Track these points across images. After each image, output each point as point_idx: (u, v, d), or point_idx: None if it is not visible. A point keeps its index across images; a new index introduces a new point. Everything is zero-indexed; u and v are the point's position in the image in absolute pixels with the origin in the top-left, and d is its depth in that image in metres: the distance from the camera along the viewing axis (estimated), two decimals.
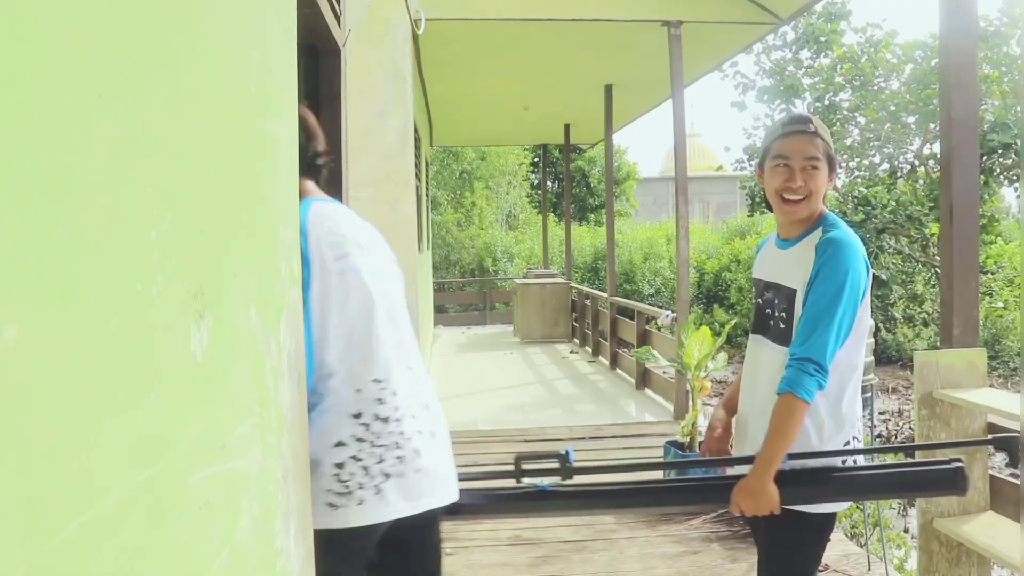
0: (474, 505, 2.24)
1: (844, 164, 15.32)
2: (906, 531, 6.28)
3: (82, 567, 0.61)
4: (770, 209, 2.41)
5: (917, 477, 2.23)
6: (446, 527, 4.61)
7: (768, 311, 2.33)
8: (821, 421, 2.21)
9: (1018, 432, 2.97)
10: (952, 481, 2.16)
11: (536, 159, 24.22)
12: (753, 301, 2.43)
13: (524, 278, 13.34)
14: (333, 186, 2.84)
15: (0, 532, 0.52)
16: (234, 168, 1.10)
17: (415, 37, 6.33)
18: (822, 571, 4.02)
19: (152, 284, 0.79)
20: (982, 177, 11.36)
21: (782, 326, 2.27)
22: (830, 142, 2.34)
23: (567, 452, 2.19)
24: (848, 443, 2.24)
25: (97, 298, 0.68)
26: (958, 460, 2.19)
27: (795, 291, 2.23)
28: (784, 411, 2.09)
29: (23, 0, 0.57)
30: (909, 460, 2.22)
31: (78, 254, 0.65)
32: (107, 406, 0.68)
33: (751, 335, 2.42)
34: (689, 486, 2.33)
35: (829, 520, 2.27)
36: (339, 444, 1.89)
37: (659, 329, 8.70)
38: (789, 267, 2.27)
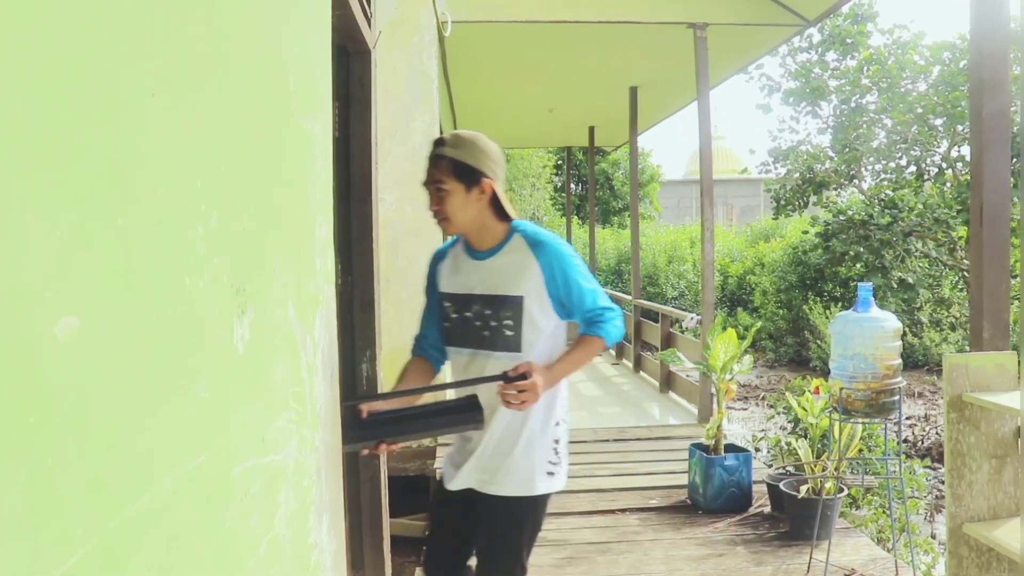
0: None
1: (871, 167, 15.20)
2: (933, 537, 6.22)
3: (139, 546, 0.63)
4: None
5: (444, 415, 2.27)
6: None
7: (480, 323, 2.39)
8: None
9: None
10: (473, 417, 2.20)
11: (560, 161, 24.22)
12: (450, 316, 2.47)
13: None
14: (363, 187, 2.86)
15: (65, 513, 0.54)
16: (275, 166, 1.12)
17: (441, 39, 6.36)
18: (849, 575, 4.00)
19: (199, 278, 0.81)
20: (1012, 179, 11.22)
21: (509, 333, 2.36)
22: (467, 156, 2.32)
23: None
24: (558, 423, 2.46)
25: (150, 290, 0.70)
26: (473, 395, 2.24)
27: (522, 297, 2.34)
28: (592, 347, 2.42)
29: (81, 2, 0.59)
30: (434, 403, 2.31)
31: (133, 247, 0.67)
32: (160, 395, 0.70)
33: (460, 349, 2.46)
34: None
35: (545, 501, 2.47)
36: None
37: (683, 332, 8.67)
38: (504, 277, 2.36)
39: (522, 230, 2.41)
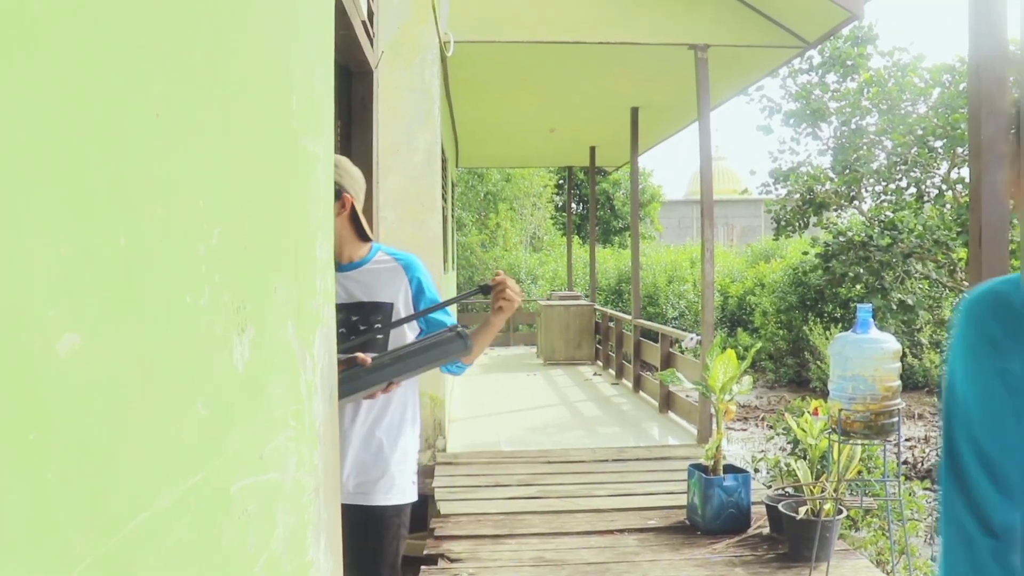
0: None
1: (871, 188, 15.23)
2: (933, 559, 6.20)
3: (138, 562, 0.63)
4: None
5: (434, 347, 2.33)
6: (466, 547, 4.62)
7: (345, 329, 2.49)
8: (415, 401, 2.62)
9: None
10: (461, 342, 2.30)
11: (561, 181, 24.28)
12: None
13: (548, 300, 13.35)
14: (364, 207, 2.87)
15: (64, 530, 0.54)
16: (277, 185, 1.13)
17: (443, 59, 6.40)
18: None
19: (200, 296, 0.82)
20: (1011, 201, 11.19)
21: (379, 337, 2.50)
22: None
23: None
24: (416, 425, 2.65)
25: (152, 308, 0.70)
26: (456, 325, 2.37)
27: (392, 304, 2.51)
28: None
29: (87, 24, 0.60)
30: (419, 340, 2.38)
31: (135, 265, 0.67)
32: (160, 412, 0.71)
33: None
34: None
35: (407, 508, 2.62)
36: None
37: (683, 352, 8.67)
38: (376, 285, 2.52)
39: (385, 248, 2.60)
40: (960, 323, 1.15)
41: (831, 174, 15.25)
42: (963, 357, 1.14)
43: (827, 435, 4.29)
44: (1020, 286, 1.09)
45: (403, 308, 2.52)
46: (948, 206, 13.71)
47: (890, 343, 3.68)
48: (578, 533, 4.90)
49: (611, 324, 11.60)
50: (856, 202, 15.25)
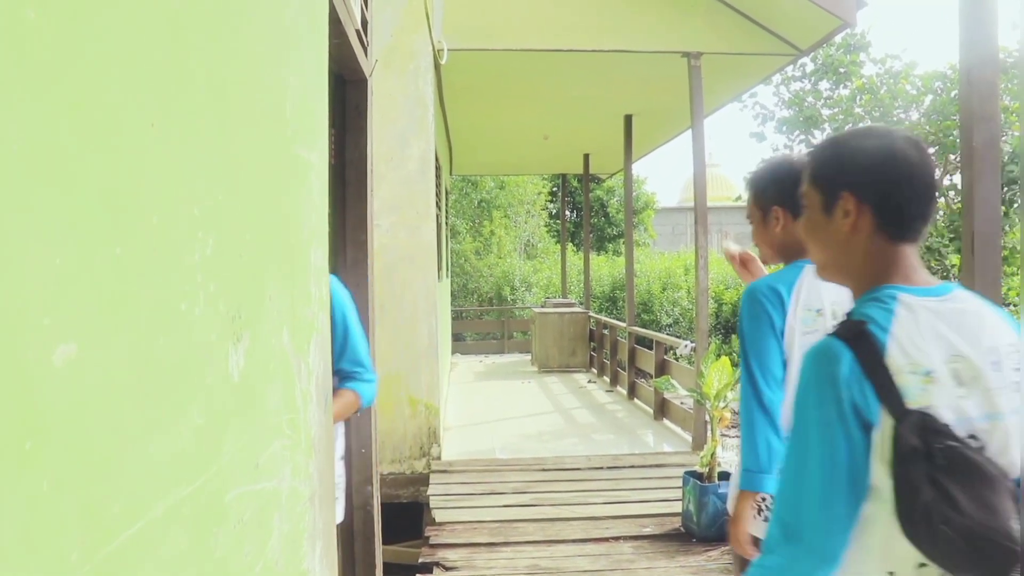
0: None
1: None
2: None
3: (133, 572, 0.63)
4: None
5: None
6: (462, 555, 4.61)
7: None
8: None
9: None
10: None
11: (555, 188, 24.30)
12: None
13: (542, 307, 13.34)
14: (358, 214, 2.87)
15: (60, 540, 0.54)
16: (271, 193, 1.13)
17: (437, 66, 6.41)
18: None
19: (195, 305, 0.82)
20: (1003, 208, 11.30)
21: None
22: None
23: None
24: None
25: (146, 317, 0.70)
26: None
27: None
28: (348, 407, 2.37)
29: (83, 34, 0.60)
30: None
31: (130, 274, 0.67)
32: (154, 422, 0.71)
33: None
34: None
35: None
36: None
37: (678, 359, 8.67)
38: None
39: None
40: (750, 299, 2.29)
41: None
42: (748, 315, 2.28)
43: None
44: (779, 279, 2.28)
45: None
46: (940, 213, 13.76)
47: None
48: (573, 541, 4.89)
49: (605, 331, 11.59)
50: None
